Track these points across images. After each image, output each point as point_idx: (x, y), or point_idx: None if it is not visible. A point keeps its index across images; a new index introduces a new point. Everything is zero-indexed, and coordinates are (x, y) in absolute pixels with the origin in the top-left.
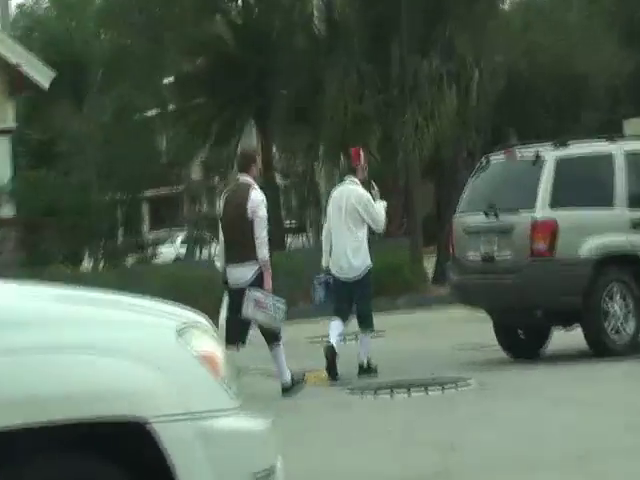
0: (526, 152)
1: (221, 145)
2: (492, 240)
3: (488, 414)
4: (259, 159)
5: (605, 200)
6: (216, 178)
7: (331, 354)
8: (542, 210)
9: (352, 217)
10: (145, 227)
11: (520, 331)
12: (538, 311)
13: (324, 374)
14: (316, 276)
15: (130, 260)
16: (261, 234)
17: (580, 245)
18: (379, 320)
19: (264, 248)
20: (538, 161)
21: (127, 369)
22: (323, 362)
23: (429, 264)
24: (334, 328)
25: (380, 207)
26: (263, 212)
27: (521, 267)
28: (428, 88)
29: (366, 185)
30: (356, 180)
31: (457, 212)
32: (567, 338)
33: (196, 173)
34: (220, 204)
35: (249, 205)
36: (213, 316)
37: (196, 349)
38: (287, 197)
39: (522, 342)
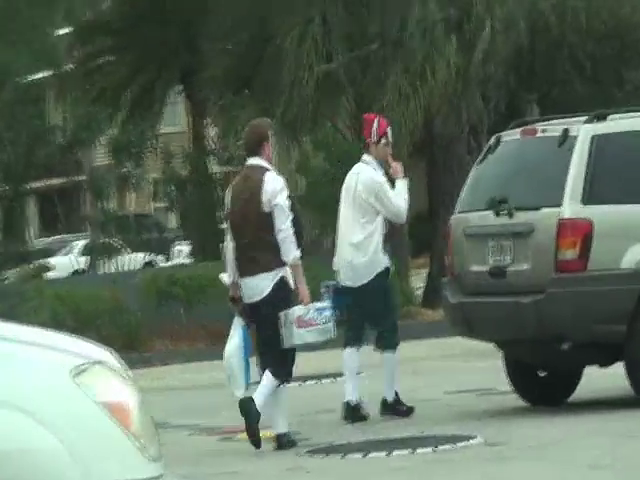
0: (551, 129)
1: (137, 119)
2: (504, 248)
3: None
4: (187, 136)
5: None
6: (130, 164)
7: (351, 414)
8: (572, 207)
9: (362, 209)
10: (32, 231)
11: (541, 371)
12: (566, 344)
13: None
14: (323, 283)
15: (10, 275)
16: (286, 227)
17: (623, 254)
18: (334, 357)
19: (291, 245)
20: (567, 141)
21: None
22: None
23: (418, 281)
24: (349, 367)
25: (399, 191)
26: (284, 200)
27: (543, 284)
28: (418, 42)
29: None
30: (369, 159)
31: (457, 209)
32: (604, 379)
33: (102, 157)
34: (227, 198)
35: (264, 193)
36: (128, 350)
37: (99, 395)
38: (225, 191)
39: (544, 385)
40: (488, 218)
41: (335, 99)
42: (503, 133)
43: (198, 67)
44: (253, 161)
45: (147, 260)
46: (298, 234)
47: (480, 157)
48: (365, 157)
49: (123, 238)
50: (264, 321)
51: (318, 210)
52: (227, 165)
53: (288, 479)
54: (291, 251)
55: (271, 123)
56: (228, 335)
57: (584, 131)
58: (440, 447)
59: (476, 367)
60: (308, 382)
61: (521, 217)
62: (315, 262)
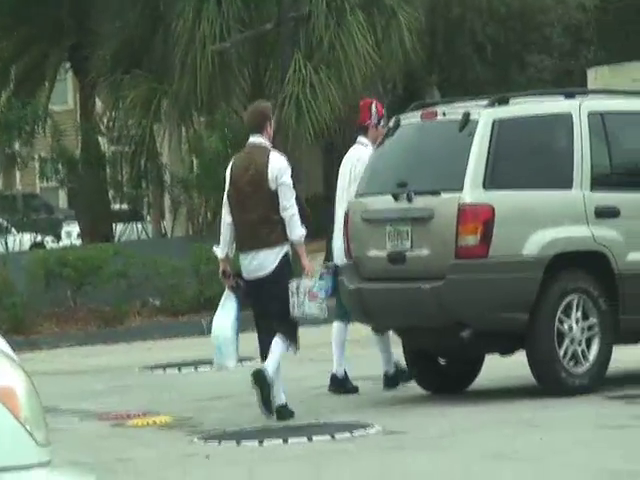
0: (451, 112)
1: (24, 97)
2: (403, 233)
3: (394, 471)
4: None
5: (560, 179)
6: (16, 145)
7: (338, 386)
8: (473, 192)
9: None
10: None
11: (441, 359)
12: (466, 332)
13: (169, 417)
14: (324, 264)
15: None
16: (291, 204)
17: (525, 240)
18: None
19: (297, 222)
20: (468, 124)
21: None
22: (172, 398)
23: (315, 265)
24: (337, 340)
25: None
26: (289, 179)
27: (443, 271)
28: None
29: None
30: (366, 141)
31: (355, 194)
32: (505, 366)
33: None
34: (227, 175)
35: (271, 171)
36: (15, 333)
37: None
38: (116, 171)
39: (444, 373)
40: (387, 202)
41: (229, 79)
42: (402, 115)
43: (88, 45)
44: (255, 139)
45: (36, 241)
46: (301, 214)
47: (379, 140)
48: (362, 139)
49: (9, 218)
50: (270, 295)
51: (212, 192)
52: (117, 144)
53: (185, 465)
54: (297, 228)
55: (270, 105)
56: (117, 318)
57: (485, 115)
58: (337, 435)
59: (374, 354)
60: (202, 368)
61: (421, 202)
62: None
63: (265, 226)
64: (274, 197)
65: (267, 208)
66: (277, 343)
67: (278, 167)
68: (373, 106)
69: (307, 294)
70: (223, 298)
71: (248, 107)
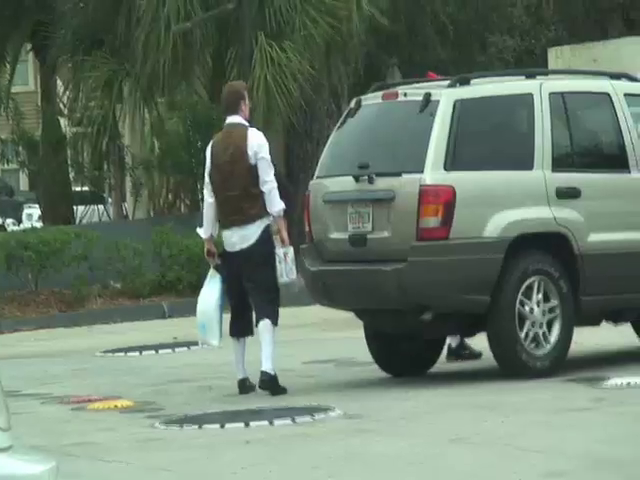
0: (412, 92)
1: None
2: (364, 214)
3: (355, 455)
4: (37, 96)
5: (521, 159)
6: None
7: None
8: (434, 173)
9: None
10: None
11: (402, 341)
12: (427, 314)
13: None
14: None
15: None
16: (270, 179)
17: (486, 222)
18: (188, 325)
19: (276, 196)
20: (429, 105)
21: None
22: (133, 382)
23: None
24: None
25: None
26: (268, 154)
27: (404, 252)
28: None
29: None
30: None
31: (316, 175)
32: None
33: None
34: (207, 155)
35: (250, 147)
36: None
37: None
38: (77, 152)
39: (405, 356)
40: (348, 184)
41: (191, 60)
42: (363, 96)
43: (49, 25)
44: (233, 119)
45: None
46: (281, 190)
47: (340, 121)
48: None
49: None
50: (254, 264)
51: (173, 173)
52: (78, 126)
53: (146, 449)
54: (276, 202)
55: (245, 85)
56: (78, 301)
57: (446, 96)
58: (298, 419)
59: (335, 337)
60: (163, 351)
61: (382, 183)
62: (171, 225)
63: (247, 201)
64: (254, 172)
65: (248, 183)
66: (264, 327)
67: (257, 143)
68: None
69: (294, 261)
70: (208, 277)
71: (224, 88)
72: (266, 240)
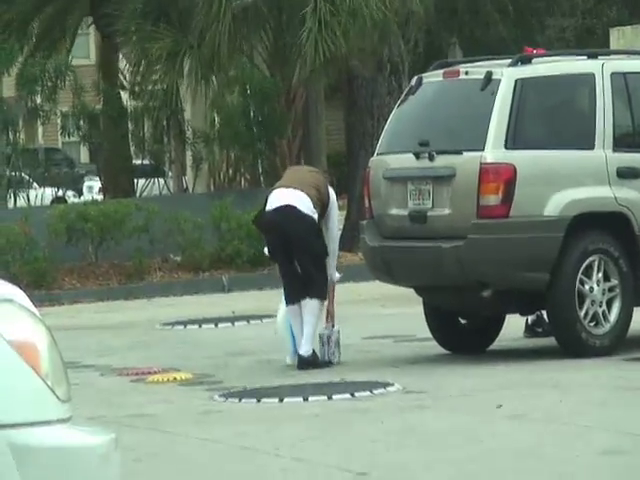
0: (474, 71)
1: (45, 51)
2: (424, 192)
3: (414, 430)
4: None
5: (582, 139)
6: (38, 99)
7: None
8: (494, 151)
9: None
10: None
11: (462, 318)
12: (487, 291)
13: (189, 374)
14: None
15: None
16: (336, 234)
17: (547, 200)
18: (247, 299)
19: (335, 259)
20: (490, 84)
21: None
22: (192, 355)
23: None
24: None
25: None
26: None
27: (464, 230)
28: None
29: None
30: None
31: (377, 151)
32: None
33: (10, 89)
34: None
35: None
36: (36, 288)
37: (8, 334)
38: (138, 126)
39: (464, 333)
40: (409, 161)
41: (252, 34)
42: (425, 74)
43: None
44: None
45: (57, 195)
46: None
47: (401, 98)
48: None
49: (31, 172)
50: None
51: (232, 145)
52: (139, 99)
53: (205, 422)
54: (334, 266)
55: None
56: (138, 273)
57: (508, 74)
58: (357, 394)
59: (395, 313)
60: (222, 324)
61: (442, 161)
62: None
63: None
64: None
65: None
66: (308, 312)
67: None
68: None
69: (338, 345)
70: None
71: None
72: (315, 228)
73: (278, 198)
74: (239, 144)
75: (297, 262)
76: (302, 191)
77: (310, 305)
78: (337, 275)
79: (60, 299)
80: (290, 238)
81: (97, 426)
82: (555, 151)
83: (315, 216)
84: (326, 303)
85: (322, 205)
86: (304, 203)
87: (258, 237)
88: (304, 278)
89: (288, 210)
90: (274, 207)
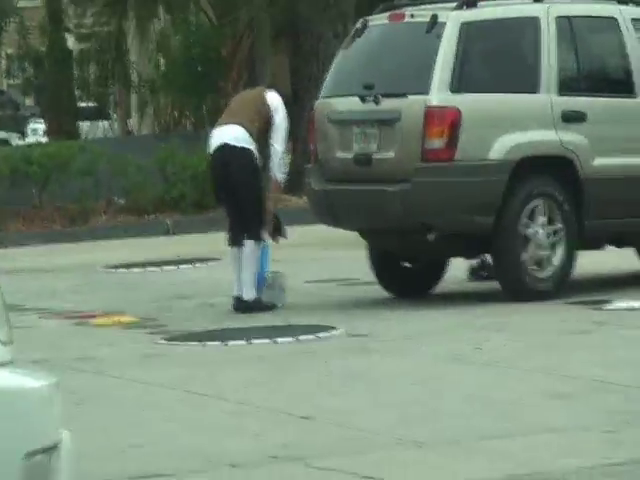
0: (419, 14)
1: None
2: (370, 135)
3: (359, 374)
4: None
5: (527, 82)
6: None
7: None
8: (439, 94)
9: None
10: None
11: (406, 262)
12: (431, 234)
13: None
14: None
15: None
16: (282, 148)
17: (492, 144)
18: (192, 242)
19: (281, 164)
20: (435, 27)
21: None
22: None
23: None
24: None
25: None
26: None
27: (409, 173)
28: None
29: None
30: None
31: (321, 95)
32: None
33: None
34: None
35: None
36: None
37: None
38: (83, 68)
39: (408, 277)
40: (354, 104)
41: None
42: (370, 17)
43: None
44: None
45: (1, 138)
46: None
47: (346, 41)
48: None
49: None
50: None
51: (177, 92)
52: (84, 42)
53: (148, 365)
54: (280, 170)
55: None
56: (82, 216)
57: (453, 18)
58: (301, 337)
59: (339, 257)
60: (166, 267)
61: (388, 104)
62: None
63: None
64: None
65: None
66: (245, 256)
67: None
68: None
69: (284, 289)
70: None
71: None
72: (254, 169)
73: (215, 138)
74: (183, 88)
75: (237, 201)
76: (238, 124)
77: (247, 248)
78: (281, 175)
79: (3, 242)
80: (229, 177)
81: (39, 369)
82: (500, 94)
83: (252, 148)
84: (263, 244)
85: (266, 119)
86: (238, 138)
87: (203, 180)
88: (242, 218)
89: (225, 149)
90: (213, 148)
